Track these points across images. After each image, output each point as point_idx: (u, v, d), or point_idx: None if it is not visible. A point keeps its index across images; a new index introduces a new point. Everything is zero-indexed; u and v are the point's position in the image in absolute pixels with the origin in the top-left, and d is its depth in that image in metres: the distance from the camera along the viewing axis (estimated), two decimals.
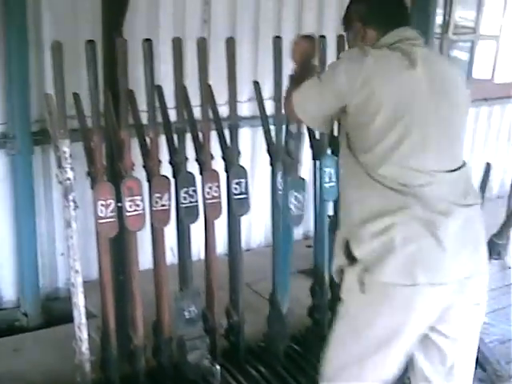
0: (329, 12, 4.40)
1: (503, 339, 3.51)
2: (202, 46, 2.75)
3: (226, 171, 2.89)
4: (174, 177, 2.73)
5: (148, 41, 2.58)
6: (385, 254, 1.97)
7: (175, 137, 2.75)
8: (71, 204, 2.43)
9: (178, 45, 2.66)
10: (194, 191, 2.72)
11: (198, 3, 3.96)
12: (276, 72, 2.90)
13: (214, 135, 2.87)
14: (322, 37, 2.95)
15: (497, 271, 4.10)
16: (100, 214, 2.47)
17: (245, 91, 3.82)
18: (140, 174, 2.65)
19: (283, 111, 2.59)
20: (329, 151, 3.10)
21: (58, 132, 2.41)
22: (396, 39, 2.11)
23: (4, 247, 3.56)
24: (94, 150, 2.51)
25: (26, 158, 3.37)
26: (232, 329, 3.06)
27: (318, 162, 3.09)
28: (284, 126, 2.91)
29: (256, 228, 4.47)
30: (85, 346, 2.54)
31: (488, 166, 2.81)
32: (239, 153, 2.93)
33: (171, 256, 3.08)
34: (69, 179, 2.41)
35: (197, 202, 2.73)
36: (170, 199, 2.66)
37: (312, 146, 3.10)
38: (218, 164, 2.88)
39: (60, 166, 2.42)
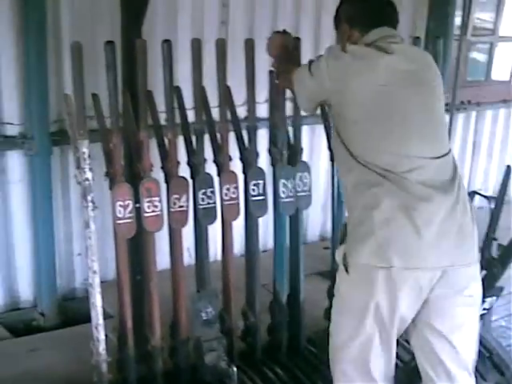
0: None
1: None
2: (222, 47, 2.74)
3: (244, 172, 2.89)
4: (192, 178, 2.72)
5: (167, 42, 2.57)
6: (365, 236, 2.10)
7: (193, 138, 2.74)
8: (90, 204, 2.43)
9: (196, 46, 2.66)
10: (212, 192, 2.72)
11: (216, 5, 3.98)
12: None
13: (232, 136, 2.86)
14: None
15: None
16: (118, 215, 2.48)
17: (263, 92, 3.82)
18: (158, 174, 2.65)
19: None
20: None
21: (77, 133, 2.40)
22: (375, 37, 2.22)
23: (22, 247, 3.58)
24: (112, 151, 2.51)
25: (45, 159, 3.39)
26: (249, 330, 3.05)
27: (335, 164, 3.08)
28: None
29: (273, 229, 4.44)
30: (102, 347, 2.53)
31: (508, 169, 2.77)
32: (257, 154, 2.92)
33: (188, 257, 3.07)
34: (88, 180, 2.41)
35: (215, 203, 2.73)
36: (187, 200, 2.65)
37: (330, 148, 3.08)
38: (236, 165, 2.88)
39: (79, 166, 2.41)
